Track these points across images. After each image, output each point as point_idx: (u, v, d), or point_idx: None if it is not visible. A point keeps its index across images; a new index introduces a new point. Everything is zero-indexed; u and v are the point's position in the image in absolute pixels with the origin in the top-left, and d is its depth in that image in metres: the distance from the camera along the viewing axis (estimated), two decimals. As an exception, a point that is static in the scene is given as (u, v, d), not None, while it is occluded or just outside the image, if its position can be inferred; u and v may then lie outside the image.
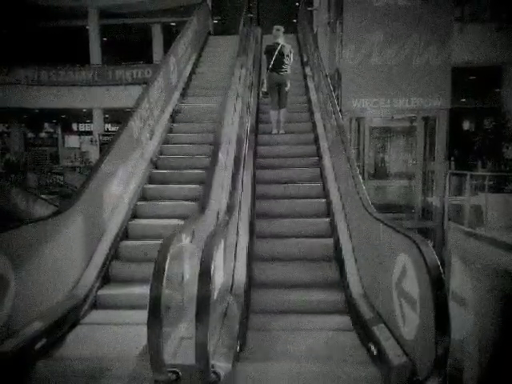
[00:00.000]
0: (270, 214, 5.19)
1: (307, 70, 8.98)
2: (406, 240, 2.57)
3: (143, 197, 5.42)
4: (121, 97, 16.97)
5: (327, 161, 5.88)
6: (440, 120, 8.37)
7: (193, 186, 5.48)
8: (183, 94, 8.23)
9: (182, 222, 3.62)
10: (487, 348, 5.80)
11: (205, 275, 2.40)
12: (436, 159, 8.45)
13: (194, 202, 5.01)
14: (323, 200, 5.34)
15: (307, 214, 5.16)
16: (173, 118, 7.32)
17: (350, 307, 3.72)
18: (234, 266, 3.92)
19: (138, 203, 5.22)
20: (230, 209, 3.93)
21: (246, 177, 4.99)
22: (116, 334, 3.31)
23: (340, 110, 6.31)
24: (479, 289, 5.93)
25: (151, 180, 5.73)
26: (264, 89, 6.93)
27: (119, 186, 4.87)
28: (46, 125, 24.29)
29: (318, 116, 7.09)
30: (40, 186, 16.43)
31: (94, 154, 19.15)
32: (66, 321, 3.32)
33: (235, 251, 4.07)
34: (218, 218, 4.41)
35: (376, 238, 3.30)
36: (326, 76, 6.72)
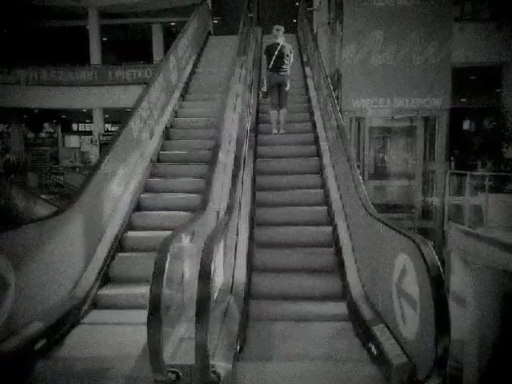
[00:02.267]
0: (270, 214, 5.19)
1: (307, 69, 8.98)
2: (406, 240, 2.57)
3: (148, 187, 5.50)
4: (121, 97, 16.97)
5: (327, 161, 5.87)
6: (440, 120, 8.38)
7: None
8: (183, 94, 8.23)
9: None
10: (487, 348, 5.79)
11: (205, 275, 2.40)
12: (436, 159, 8.46)
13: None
14: (323, 200, 5.34)
15: (307, 217, 5.16)
16: (172, 118, 7.31)
17: (350, 307, 3.72)
18: (234, 266, 3.92)
19: (142, 196, 5.30)
20: (229, 208, 3.93)
21: (246, 176, 4.99)
22: (116, 334, 3.31)
23: (340, 110, 6.31)
24: (479, 289, 5.93)
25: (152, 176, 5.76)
26: (264, 89, 6.93)
27: (119, 186, 4.87)
28: (46, 125, 24.29)
29: (317, 116, 7.08)
30: (40, 185, 16.43)
31: (94, 154, 19.15)
32: (66, 321, 3.32)
33: (235, 251, 4.08)
34: (218, 217, 4.42)
35: (376, 238, 3.30)
36: (326, 76, 6.72)
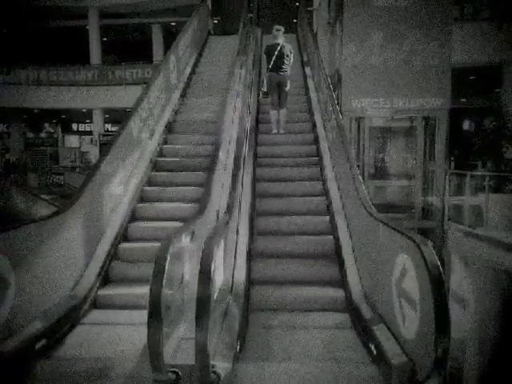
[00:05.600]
0: (270, 214, 5.19)
1: (307, 70, 8.98)
2: (406, 240, 2.58)
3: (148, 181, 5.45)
4: (121, 97, 16.98)
5: (327, 161, 5.87)
6: (440, 120, 8.37)
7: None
8: (183, 94, 8.23)
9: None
10: (487, 348, 5.79)
11: (205, 275, 2.40)
12: (436, 159, 8.45)
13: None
14: (323, 200, 5.33)
15: (307, 214, 5.17)
16: (173, 118, 7.31)
17: (349, 307, 3.72)
18: (234, 266, 3.92)
19: (145, 188, 5.34)
20: (229, 208, 3.93)
21: (246, 176, 4.99)
22: (116, 334, 3.31)
23: (340, 110, 6.31)
24: (479, 289, 5.92)
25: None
26: (264, 89, 6.93)
27: (119, 185, 4.87)
28: (46, 125, 24.33)
29: (317, 116, 7.08)
30: (40, 186, 16.43)
31: (93, 153, 19.16)
32: (66, 321, 3.32)
33: (235, 251, 4.08)
34: (218, 217, 4.42)
35: (376, 238, 3.30)
36: (326, 76, 6.72)
